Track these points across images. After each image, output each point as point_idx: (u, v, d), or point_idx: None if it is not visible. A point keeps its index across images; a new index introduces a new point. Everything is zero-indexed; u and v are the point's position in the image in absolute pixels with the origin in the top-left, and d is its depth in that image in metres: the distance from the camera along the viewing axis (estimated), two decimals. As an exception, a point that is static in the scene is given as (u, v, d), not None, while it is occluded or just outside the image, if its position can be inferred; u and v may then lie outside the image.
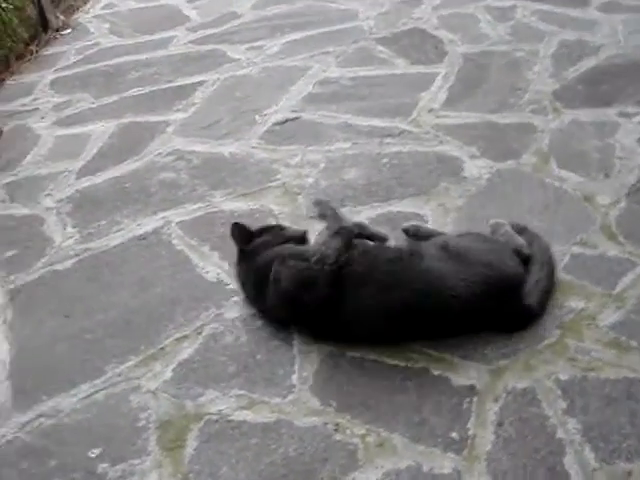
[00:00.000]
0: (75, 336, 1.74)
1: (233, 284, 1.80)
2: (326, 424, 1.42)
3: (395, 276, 1.57)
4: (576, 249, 1.77)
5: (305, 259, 1.62)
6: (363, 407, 1.44)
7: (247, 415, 1.46)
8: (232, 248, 1.80)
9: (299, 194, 2.14)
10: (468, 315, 1.54)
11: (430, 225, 1.94)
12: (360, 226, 1.83)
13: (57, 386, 1.61)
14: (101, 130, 2.67)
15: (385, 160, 2.25)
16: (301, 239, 1.79)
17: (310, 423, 1.43)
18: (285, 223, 1.96)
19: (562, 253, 1.75)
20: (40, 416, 1.54)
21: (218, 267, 1.88)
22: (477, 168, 2.15)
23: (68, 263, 1.98)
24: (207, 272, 1.86)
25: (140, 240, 2.03)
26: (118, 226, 2.11)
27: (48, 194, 2.34)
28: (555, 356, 1.47)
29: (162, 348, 1.65)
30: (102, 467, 1.41)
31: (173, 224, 2.08)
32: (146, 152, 2.49)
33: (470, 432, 1.35)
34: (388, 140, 2.35)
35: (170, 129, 2.61)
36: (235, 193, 2.19)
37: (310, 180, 2.20)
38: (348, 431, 1.40)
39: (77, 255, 2.01)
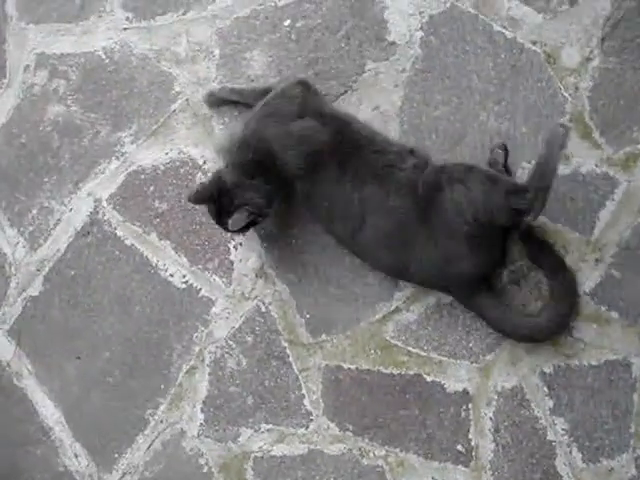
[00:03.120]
0: (99, 381, 2.42)
1: (203, 290, 2.22)
2: (351, 450, 2.13)
3: None
4: None
5: None
6: (376, 428, 2.10)
7: (284, 449, 2.19)
8: (177, 233, 2.22)
9: (211, 118, 2.22)
10: None
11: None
12: None
13: (118, 442, 2.41)
14: None
15: (287, 23, 2.17)
16: None
17: (338, 451, 2.14)
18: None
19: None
20: (125, 474, 2.34)
21: (178, 265, 2.29)
22: (404, 19, 2.05)
23: (37, 284, 2.47)
24: (172, 275, 2.30)
25: (84, 237, 2.40)
26: (52, 216, 2.47)
27: None
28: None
29: (180, 385, 2.26)
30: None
31: (104, 202, 2.38)
32: (10, 67, 2.53)
33: (472, 442, 2.00)
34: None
35: (9, 8, 2.54)
36: (142, 132, 2.36)
37: (215, 88, 2.26)
38: (371, 454, 2.10)
39: (39, 271, 2.47)
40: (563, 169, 1.92)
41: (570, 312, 1.90)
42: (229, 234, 2.23)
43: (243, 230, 2.05)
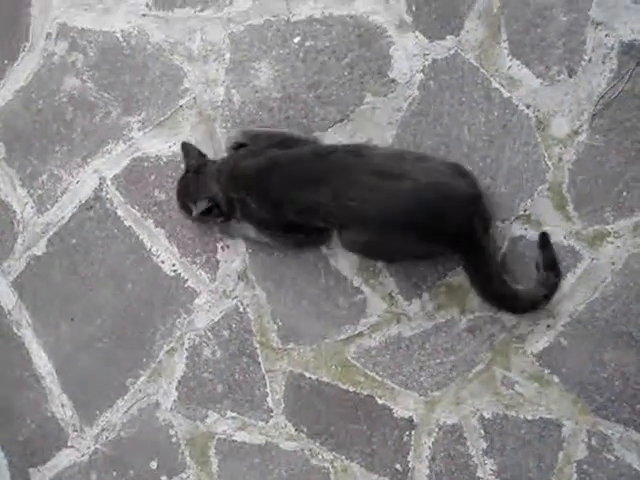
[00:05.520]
0: (89, 344, 2.61)
1: (189, 281, 2.37)
2: (303, 449, 2.32)
3: None
4: (517, 228, 2.01)
5: None
6: (327, 434, 2.28)
7: (244, 436, 2.39)
8: (172, 224, 2.37)
9: (215, 120, 2.32)
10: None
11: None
12: None
13: (101, 401, 2.61)
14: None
15: (297, 40, 2.22)
16: None
17: (291, 447, 2.33)
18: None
19: (502, 235, 2.00)
20: (104, 429, 2.54)
21: (170, 253, 2.45)
22: (408, 58, 2.10)
23: (41, 245, 2.62)
24: (162, 262, 2.45)
25: (88, 210, 2.53)
26: (60, 184, 2.61)
27: None
28: (482, 387, 2.07)
29: (160, 362, 2.45)
30: (163, 479, 2.47)
31: (108, 181, 2.51)
32: (33, 31, 2.59)
33: (410, 464, 2.17)
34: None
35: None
36: (150, 121, 2.46)
37: (221, 91, 2.33)
38: (320, 456, 2.29)
39: (44, 233, 2.62)
40: (534, 235, 2.01)
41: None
42: (218, 235, 2.36)
43: (203, 215, 2.24)
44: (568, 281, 2.00)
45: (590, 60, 1.97)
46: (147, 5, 2.47)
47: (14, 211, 2.72)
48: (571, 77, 2.00)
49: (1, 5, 2.70)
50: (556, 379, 2.03)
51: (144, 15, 2.48)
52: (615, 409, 2.00)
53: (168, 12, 2.45)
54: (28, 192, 2.69)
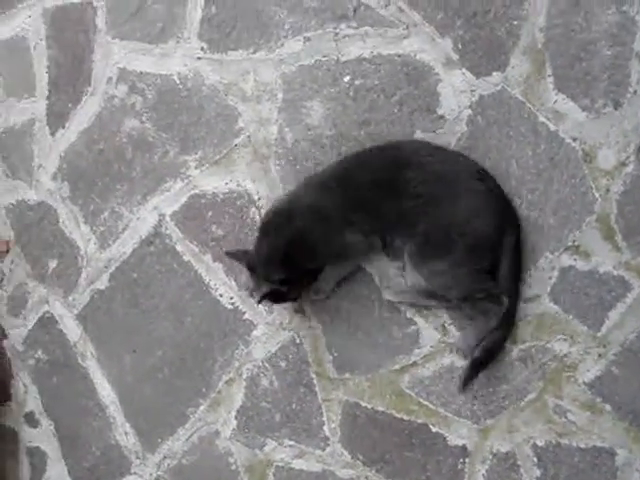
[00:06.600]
0: (151, 376, 2.71)
1: (247, 314, 2.45)
2: (359, 477, 2.37)
3: None
4: (566, 259, 2.02)
5: None
6: (382, 462, 2.33)
7: (302, 464, 2.45)
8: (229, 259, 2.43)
9: (269, 158, 2.38)
10: None
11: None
12: None
13: (162, 430, 2.70)
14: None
15: (347, 79, 2.28)
16: None
17: (348, 475, 2.38)
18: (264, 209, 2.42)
19: (551, 267, 2.03)
20: (165, 457, 2.63)
21: (228, 287, 2.53)
22: (455, 95, 2.14)
23: (104, 280, 2.74)
24: (221, 295, 2.53)
25: (148, 246, 2.64)
26: (121, 221, 2.72)
27: (39, 165, 2.88)
28: (535, 416, 2.09)
29: (219, 392, 2.52)
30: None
31: (167, 218, 2.62)
32: (95, 76, 2.71)
33: None
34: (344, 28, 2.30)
35: (99, 21, 2.70)
36: (206, 159, 2.55)
37: (274, 130, 2.40)
38: None
39: (106, 268, 2.75)
40: (583, 265, 2.03)
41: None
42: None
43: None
44: (618, 310, 2.01)
45: (635, 92, 1.99)
46: (202, 49, 2.56)
47: (78, 247, 2.85)
48: (616, 109, 2.02)
49: (66, 52, 2.83)
50: (608, 407, 2.04)
51: (199, 58, 2.57)
52: (668, 437, 2.08)
53: (222, 55, 2.53)
54: (91, 229, 2.81)
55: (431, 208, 2.05)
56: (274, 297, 2.23)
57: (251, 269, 2.26)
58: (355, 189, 2.13)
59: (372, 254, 2.26)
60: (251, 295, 2.41)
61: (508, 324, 2.09)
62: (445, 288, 2.13)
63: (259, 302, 2.20)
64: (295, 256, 2.15)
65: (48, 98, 2.86)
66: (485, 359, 2.10)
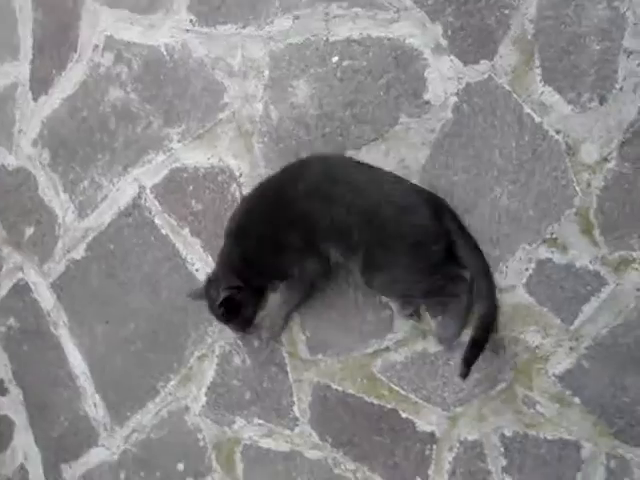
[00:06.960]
0: (122, 348, 2.71)
1: None
2: (326, 458, 2.37)
3: None
4: (543, 251, 2.00)
5: None
6: (351, 445, 2.33)
7: (270, 443, 2.46)
8: (207, 234, 2.44)
9: (253, 135, 2.36)
10: None
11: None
12: None
13: (132, 403, 2.71)
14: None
15: (335, 59, 2.26)
16: None
17: (315, 456, 2.37)
18: (246, 187, 2.38)
19: (528, 258, 2.02)
20: (134, 431, 2.64)
21: (204, 262, 2.50)
22: (442, 81, 2.11)
23: (80, 250, 2.73)
24: (197, 270, 2.52)
25: (127, 217, 2.63)
26: (100, 191, 2.71)
27: (20, 130, 2.86)
28: (504, 406, 2.08)
29: (191, 367, 2.52)
30: (189, 480, 2.64)
31: (147, 190, 2.60)
32: (81, 43, 2.68)
33: (430, 478, 2.19)
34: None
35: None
36: (189, 133, 2.52)
37: (259, 107, 2.37)
38: (343, 466, 2.33)
39: (83, 238, 2.73)
40: (560, 258, 2.02)
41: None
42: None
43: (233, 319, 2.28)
44: (592, 305, 2.00)
45: (621, 89, 1.97)
46: (191, 21, 2.52)
47: (56, 215, 2.83)
48: (602, 105, 2.01)
49: (52, 17, 2.79)
50: (577, 401, 2.04)
51: (187, 31, 2.53)
52: (635, 433, 2.01)
53: (211, 28, 2.50)
54: (70, 197, 2.79)
55: (364, 219, 2.02)
56: (230, 309, 2.24)
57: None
58: (285, 208, 2.13)
59: (319, 277, 2.26)
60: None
61: (491, 296, 2.05)
62: (403, 294, 2.14)
63: (220, 306, 2.22)
64: (246, 269, 2.20)
65: (32, 62, 2.84)
66: (482, 337, 2.03)
